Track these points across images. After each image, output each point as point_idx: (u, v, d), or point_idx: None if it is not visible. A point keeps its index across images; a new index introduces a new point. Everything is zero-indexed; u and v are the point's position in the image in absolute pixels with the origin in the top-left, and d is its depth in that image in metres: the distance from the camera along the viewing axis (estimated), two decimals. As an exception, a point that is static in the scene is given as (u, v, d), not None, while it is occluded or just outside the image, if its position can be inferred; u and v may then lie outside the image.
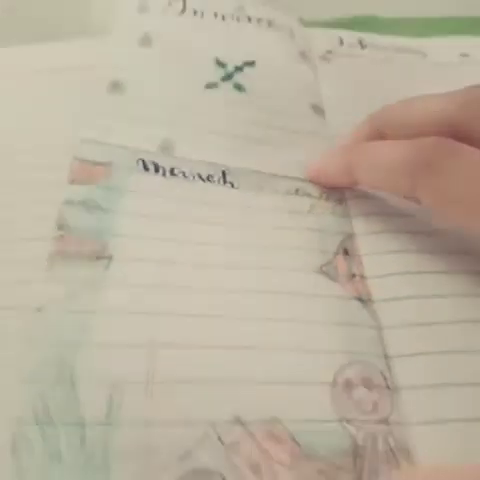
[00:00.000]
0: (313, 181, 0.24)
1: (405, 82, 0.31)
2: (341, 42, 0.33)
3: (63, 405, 0.15)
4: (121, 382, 0.16)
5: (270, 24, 0.32)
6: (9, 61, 0.28)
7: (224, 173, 0.23)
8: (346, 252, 0.21)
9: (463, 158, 0.18)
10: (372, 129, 0.23)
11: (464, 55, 0.33)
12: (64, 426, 0.15)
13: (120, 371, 0.16)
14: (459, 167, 0.18)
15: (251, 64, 0.29)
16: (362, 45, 0.33)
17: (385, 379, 0.18)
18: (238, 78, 0.28)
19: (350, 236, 0.22)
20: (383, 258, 0.21)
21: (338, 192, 0.24)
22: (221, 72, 0.28)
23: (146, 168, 0.23)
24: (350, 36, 0.33)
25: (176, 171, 0.23)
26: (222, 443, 0.16)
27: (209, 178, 0.23)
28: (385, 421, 0.17)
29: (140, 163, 0.23)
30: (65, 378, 0.16)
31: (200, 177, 0.23)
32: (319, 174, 0.24)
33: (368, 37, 0.33)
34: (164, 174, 0.23)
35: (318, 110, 0.28)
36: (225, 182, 0.23)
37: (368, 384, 0.17)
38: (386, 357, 0.18)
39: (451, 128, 0.20)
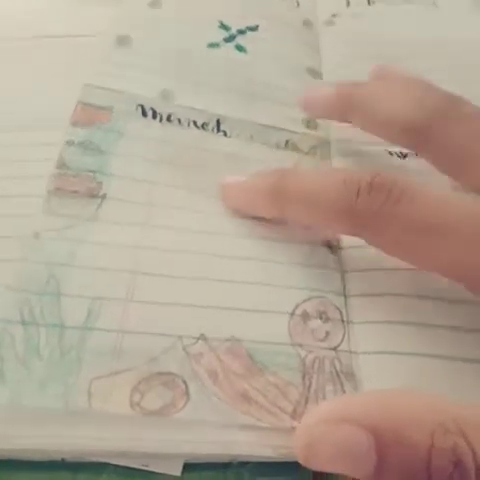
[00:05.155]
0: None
1: (415, 32, 0.32)
2: (348, 3, 0.34)
3: (46, 310, 0.18)
4: (101, 297, 0.18)
5: None
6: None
7: (218, 122, 0.25)
8: (323, 204, 0.23)
9: None
10: (341, 107, 0.24)
11: (476, 4, 0.34)
12: (45, 327, 0.17)
13: (102, 289, 0.18)
14: None
15: (254, 29, 0.30)
16: (370, 2, 0.34)
17: (340, 313, 0.19)
18: (240, 40, 0.29)
19: (329, 190, 0.24)
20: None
21: (326, 149, 0.25)
22: (224, 34, 0.30)
23: (145, 114, 0.24)
24: None
25: (173, 117, 0.24)
26: (187, 353, 0.18)
27: (203, 126, 0.25)
28: (334, 349, 0.19)
29: (139, 109, 0.24)
30: (51, 289, 0.18)
31: (195, 124, 0.25)
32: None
33: None
34: (161, 120, 0.24)
35: (315, 73, 0.29)
36: (218, 130, 0.25)
37: (323, 317, 0.19)
38: (345, 296, 0.20)
39: (412, 133, 0.21)
